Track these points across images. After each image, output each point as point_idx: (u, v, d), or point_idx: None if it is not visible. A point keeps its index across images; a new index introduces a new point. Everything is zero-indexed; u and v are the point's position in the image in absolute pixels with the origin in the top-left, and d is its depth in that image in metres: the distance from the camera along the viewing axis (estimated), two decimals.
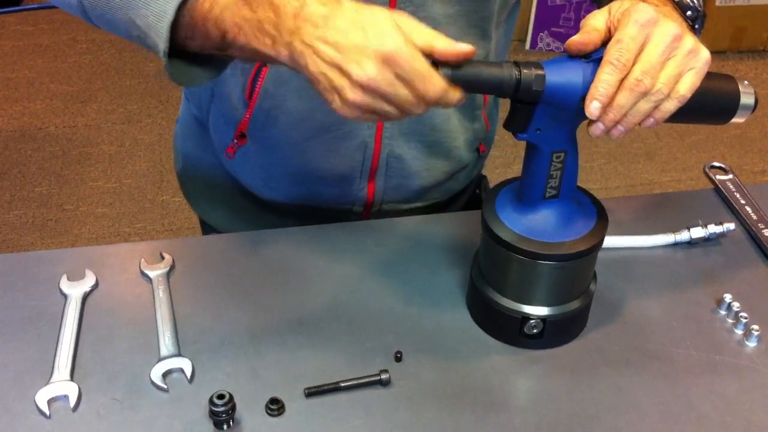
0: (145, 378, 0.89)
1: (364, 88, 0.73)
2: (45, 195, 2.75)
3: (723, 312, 1.00)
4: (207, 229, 1.33)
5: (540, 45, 3.50)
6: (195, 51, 0.83)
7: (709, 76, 0.90)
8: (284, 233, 1.11)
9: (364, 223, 1.12)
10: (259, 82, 1.04)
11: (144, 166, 2.90)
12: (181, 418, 0.85)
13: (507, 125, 0.86)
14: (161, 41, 0.79)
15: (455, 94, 0.77)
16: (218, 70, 0.87)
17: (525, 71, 0.81)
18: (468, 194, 1.33)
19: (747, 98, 0.90)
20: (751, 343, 0.95)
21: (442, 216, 1.15)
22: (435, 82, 0.74)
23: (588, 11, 0.82)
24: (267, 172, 1.15)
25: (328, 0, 0.74)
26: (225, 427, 0.83)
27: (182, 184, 1.33)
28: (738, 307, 0.99)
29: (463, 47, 0.76)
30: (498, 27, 1.11)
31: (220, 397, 0.82)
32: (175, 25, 0.78)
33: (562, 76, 0.82)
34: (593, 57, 0.82)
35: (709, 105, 0.90)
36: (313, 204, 1.18)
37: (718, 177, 1.21)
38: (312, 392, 0.87)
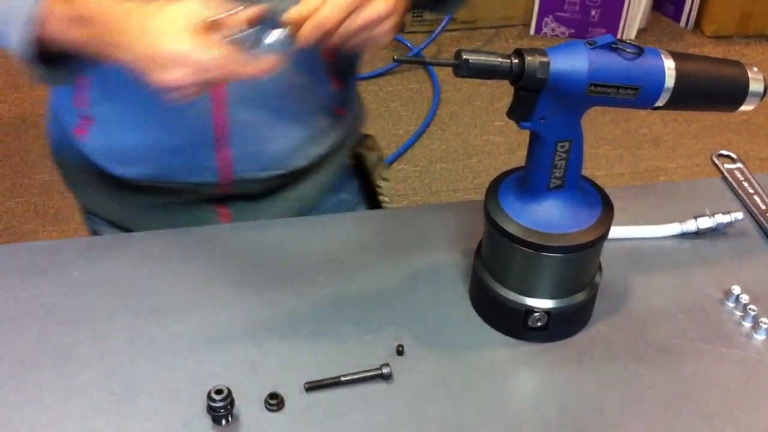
0: (143, 372, 0.87)
1: (174, 90, 0.84)
2: (46, 182, 2.73)
3: (731, 304, 0.98)
4: (88, 214, 1.30)
5: (545, 30, 3.46)
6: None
7: (717, 62, 0.89)
8: (281, 223, 1.09)
9: (361, 214, 1.11)
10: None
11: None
12: (179, 414, 0.83)
13: (510, 114, 0.85)
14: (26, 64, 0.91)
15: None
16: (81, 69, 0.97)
17: (529, 58, 0.79)
18: (341, 156, 1.28)
19: (756, 85, 0.88)
20: (760, 336, 0.94)
21: (444, 205, 1.13)
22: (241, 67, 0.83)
23: None
24: (115, 150, 1.15)
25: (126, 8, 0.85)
26: (223, 422, 0.82)
27: (59, 170, 1.30)
28: (746, 299, 0.97)
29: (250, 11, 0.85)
30: None
31: (219, 392, 0.81)
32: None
33: (566, 62, 0.80)
34: (598, 43, 0.81)
35: (718, 92, 0.88)
36: (168, 179, 1.16)
37: (725, 165, 1.19)
38: (312, 387, 0.85)
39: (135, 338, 0.92)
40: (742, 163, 1.19)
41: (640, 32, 3.55)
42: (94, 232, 1.28)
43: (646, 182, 2.77)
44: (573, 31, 3.45)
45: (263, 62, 0.84)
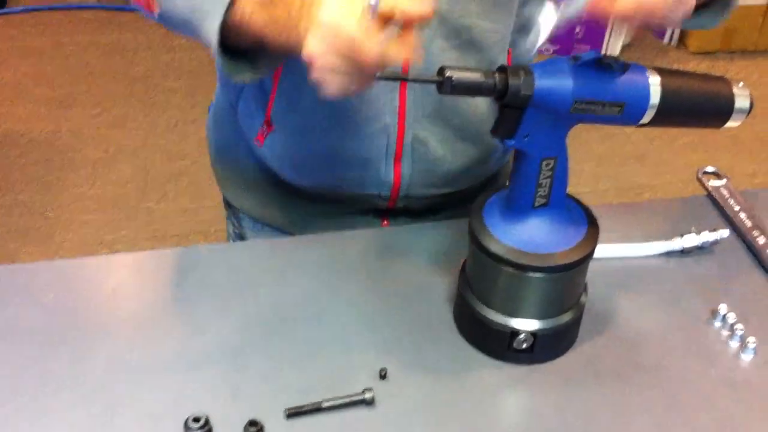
0: (121, 395, 0.85)
1: (311, 61, 0.78)
2: (27, 202, 2.71)
3: (718, 323, 0.97)
4: (236, 215, 1.32)
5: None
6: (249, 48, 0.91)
7: (703, 78, 0.88)
8: (265, 244, 1.07)
9: (347, 234, 1.09)
10: (279, 67, 1.07)
11: (128, 172, 2.85)
12: None
13: (495, 131, 0.83)
14: (219, 58, 0.89)
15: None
16: (269, 65, 0.95)
17: (512, 75, 0.78)
18: (504, 178, 1.30)
19: (742, 101, 0.87)
20: (747, 356, 0.92)
21: (428, 225, 1.12)
22: (368, 48, 0.75)
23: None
24: (294, 157, 1.15)
25: None
26: None
27: (214, 171, 1.33)
28: (733, 319, 0.95)
29: (419, 10, 0.76)
30: (522, 5, 1.08)
31: (196, 420, 0.79)
32: (225, 34, 0.87)
33: (551, 79, 0.79)
34: (583, 59, 0.79)
35: (703, 108, 0.87)
36: (340, 190, 1.16)
37: (711, 183, 1.18)
38: (293, 413, 0.83)
39: (114, 361, 0.89)
40: (728, 179, 1.18)
41: (625, 48, 3.56)
42: (239, 236, 1.31)
43: (632, 199, 2.77)
44: (558, 47, 3.45)
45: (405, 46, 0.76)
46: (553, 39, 3.71)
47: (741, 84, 0.87)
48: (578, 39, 3.46)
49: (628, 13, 0.76)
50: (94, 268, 1.04)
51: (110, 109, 3.17)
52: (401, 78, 0.75)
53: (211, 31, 0.87)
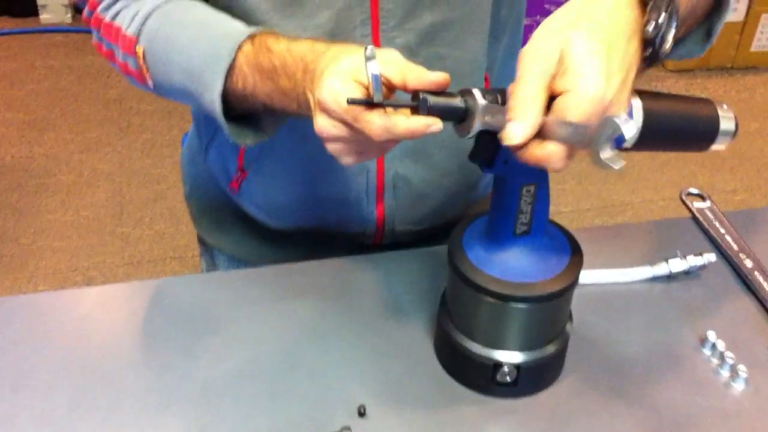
0: None
1: (322, 137, 0.77)
2: (0, 229, 2.65)
3: (707, 351, 0.94)
4: (211, 253, 1.28)
5: None
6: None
7: (686, 100, 0.85)
8: (238, 275, 1.04)
9: (322, 263, 1.05)
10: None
11: (103, 197, 2.81)
12: None
13: (472, 157, 0.80)
14: (223, 126, 0.88)
15: (419, 125, 0.73)
16: (275, 127, 0.93)
17: (489, 98, 0.75)
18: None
19: (727, 123, 0.85)
20: (738, 386, 0.89)
21: (408, 252, 1.08)
22: (369, 124, 0.72)
23: None
24: (271, 203, 1.12)
25: (321, 50, 0.79)
26: None
27: (189, 208, 1.30)
28: (723, 347, 0.93)
29: (434, 76, 0.74)
30: (504, 29, 1.05)
31: None
32: (227, 101, 0.87)
33: None
34: None
35: (687, 132, 0.84)
36: (322, 230, 1.13)
37: (695, 204, 1.15)
38: None
39: (78, 399, 0.85)
40: (712, 201, 1.16)
41: None
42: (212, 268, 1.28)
43: (613, 217, 2.75)
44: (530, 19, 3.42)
45: (420, 121, 0.73)
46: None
47: (725, 106, 0.85)
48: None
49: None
50: (62, 301, 1.00)
51: (84, 133, 3.12)
52: (373, 104, 0.72)
53: (214, 101, 0.86)
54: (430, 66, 0.98)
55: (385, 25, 0.93)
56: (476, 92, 0.73)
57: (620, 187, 2.89)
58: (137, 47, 0.92)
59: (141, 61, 0.92)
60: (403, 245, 1.12)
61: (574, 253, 0.86)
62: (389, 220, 1.09)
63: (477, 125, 0.73)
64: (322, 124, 0.76)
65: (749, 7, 3.39)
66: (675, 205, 2.73)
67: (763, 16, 3.42)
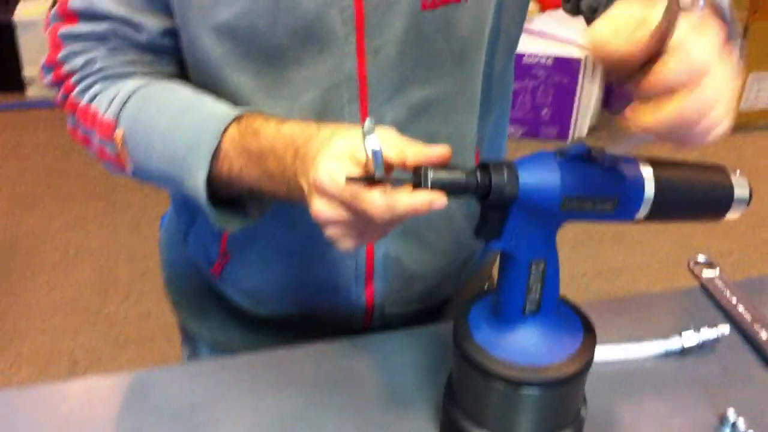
0: None
1: (319, 221, 0.73)
2: None
3: (727, 431, 0.88)
4: (193, 341, 1.21)
5: None
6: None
7: (697, 167, 0.81)
8: (225, 363, 0.98)
9: (312, 347, 1.00)
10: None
11: (88, 276, 2.74)
12: None
13: (478, 233, 0.76)
14: (208, 212, 0.84)
15: (423, 201, 0.69)
16: (261, 212, 0.89)
17: (496, 171, 0.71)
18: (485, 276, 1.22)
19: (741, 191, 0.80)
20: None
21: (403, 333, 1.03)
22: (370, 202, 0.69)
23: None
24: (255, 288, 1.06)
25: (312, 133, 0.76)
26: None
27: (167, 292, 1.24)
28: (743, 425, 0.87)
29: (435, 151, 0.71)
30: (494, 104, 1.02)
31: None
32: (212, 187, 0.83)
33: (537, 176, 0.72)
34: (569, 154, 0.73)
35: (701, 200, 0.80)
36: (308, 317, 1.07)
37: (704, 273, 1.11)
38: None
39: None
40: (720, 269, 1.11)
41: (591, 130, 3.56)
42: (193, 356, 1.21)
43: (610, 282, 2.71)
44: (525, 129, 3.44)
45: (424, 197, 0.69)
46: (519, 121, 3.71)
47: (738, 172, 0.81)
48: (544, 121, 3.46)
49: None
50: (42, 396, 0.94)
51: (70, 210, 3.07)
52: (374, 181, 0.68)
53: (197, 187, 0.82)
54: (419, 140, 0.95)
55: (374, 103, 0.90)
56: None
57: (616, 251, 2.86)
58: (116, 132, 0.87)
59: (119, 147, 0.87)
60: (392, 327, 1.07)
61: (586, 332, 0.81)
62: (379, 303, 1.04)
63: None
64: (319, 207, 0.71)
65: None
66: (671, 268, 2.70)
67: (751, 75, 3.44)
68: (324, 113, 0.89)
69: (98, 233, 2.95)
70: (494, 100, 1.01)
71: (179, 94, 0.89)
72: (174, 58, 0.92)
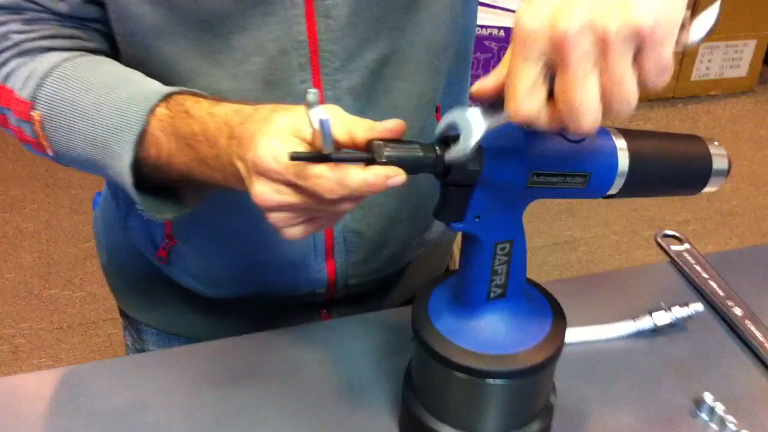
0: None
1: (263, 206, 0.65)
2: None
3: (704, 416, 0.84)
4: (136, 327, 1.13)
5: None
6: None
7: (673, 138, 0.76)
8: (170, 355, 0.91)
9: (267, 335, 0.93)
10: None
11: (29, 258, 2.63)
12: None
13: (438, 214, 0.69)
14: (136, 200, 0.77)
15: (378, 175, 0.62)
16: (197, 199, 0.81)
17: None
18: (450, 236, 1.16)
19: (720, 162, 0.75)
20: None
21: (363, 318, 0.97)
22: (318, 177, 0.62)
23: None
24: (206, 271, 0.99)
25: (248, 113, 0.68)
26: None
27: (108, 280, 1.15)
28: (722, 409, 0.83)
29: (387, 125, 0.63)
30: (444, 55, 0.93)
31: None
32: (140, 172, 0.75)
33: (502, 150, 0.65)
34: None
35: (678, 173, 0.74)
36: (266, 297, 1.00)
37: (673, 247, 1.06)
38: None
39: None
40: (690, 243, 1.07)
41: None
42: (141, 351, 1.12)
43: (567, 254, 2.67)
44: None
45: (379, 171, 0.62)
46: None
47: (716, 143, 0.75)
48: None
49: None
50: None
51: (8, 191, 2.94)
52: (321, 158, 0.61)
53: (123, 172, 0.74)
54: (377, 102, 0.87)
55: (327, 68, 0.82)
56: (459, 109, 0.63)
57: (571, 222, 2.82)
58: (32, 113, 0.79)
59: (38, 129, 0.79)
60: (356, 296, 1.02)
61: (555, 316, 0.75)
62: (341, 276, 0.98)
63: (472, 140, 0.62)
64: (261, 190, 0.64)
65: None
66: (627, 238, 2.67)
67: (702, 45, 3.42)
68: (272, 82, 0.81)
69: (38, 215, 2.83)
70: (454, 48, 0.94)
71: (102, 71, 0.80)
72: (99, 32, 0.84)
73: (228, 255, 0.95)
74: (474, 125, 0.61)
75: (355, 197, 0.64)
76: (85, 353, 2.30)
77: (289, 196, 0.64)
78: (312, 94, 0.59)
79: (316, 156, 0.61)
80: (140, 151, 0.74)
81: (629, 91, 0.54)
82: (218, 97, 0.75)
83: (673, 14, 0.52)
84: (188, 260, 0.98)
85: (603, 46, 0.52)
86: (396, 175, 0.63)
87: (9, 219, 2.81)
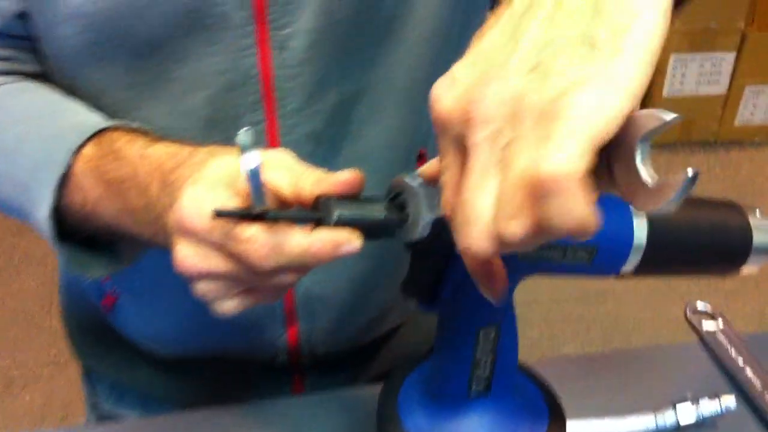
0: None
1: (186, 274, 0.54)
2: None
3: None
4: (90, 378, 1.02)
5: None
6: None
7: (704, 205, 0.62)
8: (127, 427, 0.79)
9: (213, 412, 0.80)
10: None
11: (32, 284, 2.54)
12: None
13: (406, 289, 0.56)
14: (55, 248, 0.65)
15: (324, 242, 0.50)
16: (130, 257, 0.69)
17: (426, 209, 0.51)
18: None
19: (763, 236, 0.61)
20: None
21: (339, 393, 0.83)
22: (247, 241, 0.49)
23: None
24: (151, 327, 0.87)
25: (184, 156, 0.57)
26: None
27: (64, 322, 1.03)
28: None
29: (341, 177, 0.51)
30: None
31: None
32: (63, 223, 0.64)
33: None
34: None
35: (708, 250, 0.61)
36: (221, 358, 0.88)
37: (704, 326, 0.91)
38: None
39: None
40: (725, 320, 0.92)
41: None
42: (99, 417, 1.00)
43: (595, 306, 2.52)
44: None
45: (326, 236, 0.50)
46: None
47: (758, 212, 0.61)
48: None
49: None
50: None
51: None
52: (253, 217, 0.49)
53: (39, 221, 0.64)
54: (344, 150, 0.75)
55: (284, 109, 0.70)
56: (408, 177, 0.50)
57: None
58: None
59: None
60: (332, 363, 0.89)
61: (552, 415, 0.62)
62: (305, 345, 0.85)
63: (423, 220, 0.49)
64: (184, 254, 0.52)
65: (732, 79, 3.23)
66: (661, 293, 2.51)
67: (747, 88, 3.26)
68: (217, 121, 0.69)
69: (46, 240, 2.75)
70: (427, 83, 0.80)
71: (34, 98, 0.69)
72: (37, 52, 0.73)
73: (173, 312, 0.83)
74: (423, 203, 0.49)
75: (297, 268, 0.51)
76: (78, 391, 2.19)
77: (216, 262, 0.52)
78: (243, 134, 0.47)
79: (247, 214, 0.49)
80: (64, 196, 0.63)
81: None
82: (159, 135, 0.63)
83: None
84: (132, 315, 0.86)
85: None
86: (348, 242, 0.50)
87: (17, 243, 2.72)
